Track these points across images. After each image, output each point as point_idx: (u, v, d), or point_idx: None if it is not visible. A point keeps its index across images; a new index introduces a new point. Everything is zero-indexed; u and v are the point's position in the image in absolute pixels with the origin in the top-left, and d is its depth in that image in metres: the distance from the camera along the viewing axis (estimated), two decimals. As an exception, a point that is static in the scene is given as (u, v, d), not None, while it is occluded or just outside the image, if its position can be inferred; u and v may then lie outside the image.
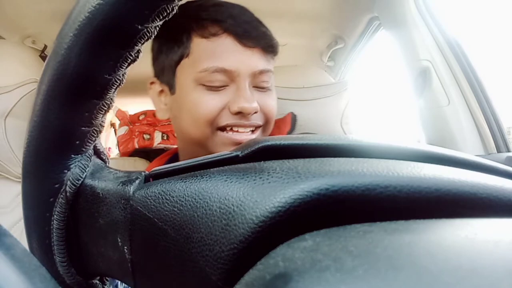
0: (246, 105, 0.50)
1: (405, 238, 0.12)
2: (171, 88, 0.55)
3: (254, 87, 0.53)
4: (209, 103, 0.51)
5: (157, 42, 0.56)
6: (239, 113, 0.50)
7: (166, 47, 0.54)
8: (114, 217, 0.21)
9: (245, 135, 0.52)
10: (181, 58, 0.53)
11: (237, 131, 0.52)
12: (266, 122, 0.55)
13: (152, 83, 0.59)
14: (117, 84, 0.21)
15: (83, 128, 0.22)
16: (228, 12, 0.52)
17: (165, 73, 0.55)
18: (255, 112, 0.51)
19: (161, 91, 0.57)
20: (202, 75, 0.50)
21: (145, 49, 0.21)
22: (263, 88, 0.54)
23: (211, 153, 0.53)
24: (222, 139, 0.51)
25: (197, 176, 0.20)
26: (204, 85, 0.51)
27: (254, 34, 0.52)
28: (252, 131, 0.54)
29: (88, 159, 0.23)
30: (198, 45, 0.51)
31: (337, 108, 0.92)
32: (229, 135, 0.51)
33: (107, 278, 0.26)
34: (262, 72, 0.52)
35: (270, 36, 0.54)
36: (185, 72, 0.52)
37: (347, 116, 0.92)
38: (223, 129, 0.52)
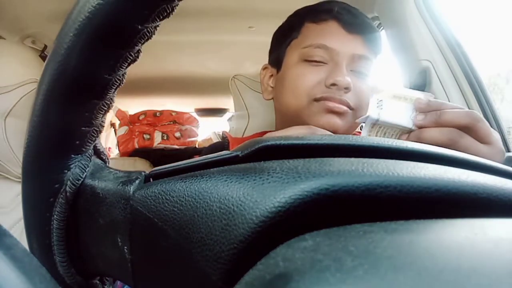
0: (340, 79, 0.54)
1: (405, 238, 0.12)
2: (279, 68, 0.64)
3: (351, 71, 0.58)
4: (308, 76, 0.57)
5: (274, 36, 0.68)
6: (333, 86, 0.55)
7: (281, 34, 0.65)
8: (114, 217, 0.21)
9: (338, 105, 0.55)
10: (291, 40, 0.61)
11: (331, 101, 0.56)
12: (357, 106, 0.57)
13: (265, 68, 0.69)
14: (117, 84, 0.21)
15: (83, 128, 0.22)
16: (338, 4, 0.60)
17: (277, 57, 0.64)
18: (347, 89, 0.55)
19: (271, 76, 0.67)
20: (305, 50, 0.58)
21: (145, 49, 0.21)
22: (359, 73, 0.58)
23: (306, 122, 0.55)
24: (316, 108, 0.56)
25: (197, 176, 0.20)
26: (306, 60, 0.58)
27: (358, 23, 0.58)
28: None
29: (88, 159, 0.23)
30: (308, 28, 0.60)
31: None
32: (323, 103, 0.56)
33: (107, 278, 0.26)
34: (361, 57, 0.58)
35: (374, 29, 0.59)
36: (292, 51, 0.61)
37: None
38: (318, 100, 0.56)
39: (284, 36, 0.63)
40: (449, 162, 0.20)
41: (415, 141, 0.34)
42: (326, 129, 0.55)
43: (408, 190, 0.16)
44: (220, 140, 0.71)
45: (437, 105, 0.40)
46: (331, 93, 0.55)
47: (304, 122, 0.56)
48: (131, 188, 0.21)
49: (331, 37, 0.57)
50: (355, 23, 0.58)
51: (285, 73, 0.61)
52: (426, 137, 0.39)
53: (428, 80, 0.84)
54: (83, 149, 0.22)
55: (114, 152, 2.33)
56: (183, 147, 1.70)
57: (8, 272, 0.12)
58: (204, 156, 0.22)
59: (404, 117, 0.41)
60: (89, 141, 0.22)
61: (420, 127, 0.40)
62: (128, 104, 2.10)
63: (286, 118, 0.62)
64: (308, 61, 0.58)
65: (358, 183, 0.16)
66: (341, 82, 0.54)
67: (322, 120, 0.55)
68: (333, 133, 0.57)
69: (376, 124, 0.42)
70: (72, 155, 0.22)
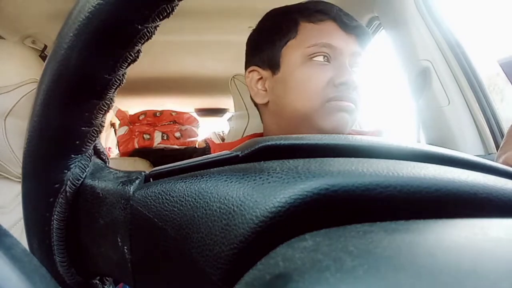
0: (349, 77, 0.56)
1: (405, 238, 0.12)
2: (276, 69, 0.62)
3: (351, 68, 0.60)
4: (316, 77, 0.57)
5: (257, 36, 0.66)
6: (343, 86, 0.56)
7: (271, 35, 0.63)
8: (114, 217, 0.21)
9: (349, 103, 0.57)
10: (288, 40, 0.60)
11: (341, 100, 0.57)
12: (359, 102, 0.59)
13: (250, 71, 0.66)
14: (117, 84, 0.21)
15: (83, 128, 0.22)
16: (330, 6, 0.62)
17: (270, 58, 0.63)
18: (356, 87, 0.57)
19: (260, 78, 0.64)
20: (310, 49, 0.58)
21: (145, 49, 0.21)
22: (357, 69, 0.61)
23: (318, 125, 0.57)
24: (329, 108, 0.57)
25: (197, 176, 0.20)
26: (311, 60, 0.58)
27: (352, 24, 0.60)
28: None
29: (88, 159, 0.23)
30: (306, 27, 0.60)
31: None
32: (335, 103, 0.57)
33: (107, 278, 0.26)
34: (358, 54, 0.60)
35: (364, 28, 0.62)
36: (292, 51, 0.60)
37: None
38: (329, 101, 0.57)
39: (278, 36, 0.62)
40: (449, 162, 0.20)
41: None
42: (336, 127, 0.57)
43: (408, 190, 0.16)
44: (207, 145, 0.72)
45: None
46: (340, 92, 0.56)
47: (315, 123, 0.57)
48: (131, 188, 0.21)
49: (333, 36, 0.58)
50: (351, 25, 0.60)
51: (289, 75, 0.60)
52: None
53: (428, 80, 0.84)
54: (83, 149, 0.22)
55: (114, 152, 2.33)
56: (183, 147, 1.70)
57: (8, 272, 0.12)
58: (204, 156, 0.22)
59: None
60: (89, 141, 0.22)
61: None
62: (128, 104, 2.10)
63: (290, 121, 0.61)
64: (314, 60, 0.58)
65: (358, 183, 0.16)
66: (351, 82, 0.56)
67: (334, 120, 0.56)
68: (342, 131, 0.58)
69: None
70: (72, 155, 0.22)
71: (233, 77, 0.89)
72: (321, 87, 0.57)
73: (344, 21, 0.59)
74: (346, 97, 0.57)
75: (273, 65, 0.62)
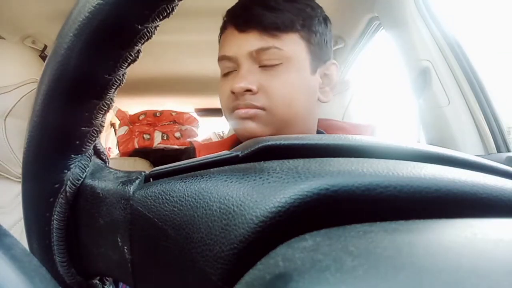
0: (234, 86, 0.53)
1: (405, 238, 0.12)
2: None
3: (261, 67, 0.55)
4: (221, 90, 0.58)
5: None
6: (236, 94, 0.54)
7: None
8: (114, 217, 0.21)
9: (245, 110, 0.54)
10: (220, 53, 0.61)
11: (238, 108, 0.55)
12: (270, 104, 0.54)
13: None
14: (117, 84, 0.21)
15: (83, 128, 0.22)
16: (236, 5, 0.58)
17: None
18: (249, 91, 0.53)
19: None
20: (219, 65, 0.59)
21: (145, 49, 0.21)
22: (269, 66, 0.54)
23: (236, 133, 0.55)
24: (233, 119, 0.56)
25: (197, 176, 0.20)
26: (222, 73, 0.59)
27: (245, 19, 0.55)
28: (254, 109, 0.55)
29: (88, 159, 0.23)
30: (220, 40, 0.60)
31: (339, 108, 0.92)
32: (235, 112, 0.55)
33: (107, 278, 0.26)
34: (259, 51, 0.54)
35: (269, 15, 0.54)
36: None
37: (349, 116, 0.92)
38: (232, 111, 0.56)
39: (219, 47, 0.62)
40: (449, 162, 0.20)
41: None
42: (246, 136, 0.54)
43: (408, 190, 0.16)
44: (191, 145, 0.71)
45: None
46: (237, 100, 0.54)
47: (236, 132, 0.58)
48: (131, 188, 0.21)
49: (227, 44, 0.57)
50: (244, 20, 0.55)
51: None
52: None
53: (428, 80, 0.84)
54: (83, 149, 0.22)
55: (114, 152, 2.33)
56: (183, 147, 1.70)
57: (8, 272, 0.12)
58: (204, 156, 0.22)
59: None
60: (89, 141, 0.22)
61: None
62: (128, 104, 2.10)
63: None
64: (222, 74, 0.59)
65: (358, 183, 0.16)
66: (236, 89, 0.53)
67: (240, 129, 0.55)
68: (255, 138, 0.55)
69: None
70: (72, 155, 0.22)
71: (233, 77, 0.89)
72: (225, 99, 0.57)
73: (238, 21, 0.56)
74: (241, 105, 0.54)
75: None
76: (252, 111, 0.53)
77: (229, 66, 0.57)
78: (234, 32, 0.56)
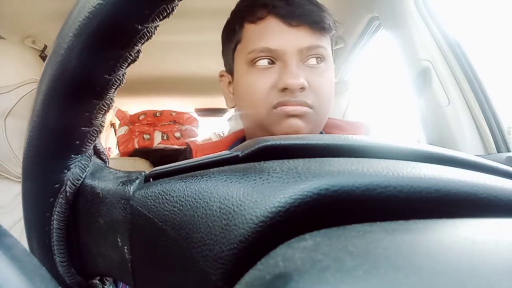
0: (290, 81, 0.50)
1: (405, 238, 0.12)
2: (232, 75, 0.60)
3: (305, 65, 0.54)
4: (259, 83, 0.53)
5: (222, 37, 0.62)
6: (286, 90, 0.51)
7: (225, 38, 0.60)
8: (114, 217, 0.21)
9: (296, 108, 0.52)
10: (236, 45, 0.57)
11: (288, 105, 0.52)
12: (317, 102, 0.53)
13: (222, 75, 0.64)
14: (117, 84, 0.21)
15: (83, 128, 0.22)
16: None
17: (228, 63, 0.61)
18: (302, 88, 0.51)
19: (229, 82, 0.62)
20: (250, 56, 0.54)
21: (145, 49, 0.21)
22: (314, 65, 0.54)
23: (271, 132, 0.53)
24: (276, 115, 0.53)
25: (197, 176, 0.20)
26: (253, 66, 0.54)
27: (298, 13, 0.53)
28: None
29: (88, 159, 0.23)
30: (248, 30, 0.55)
31: (339, 108, 0.92)
32: (281, 109, 0.52)
33: (107, 278, 0.26)
34: (310, 48, 0.53)
35: (318, 13, 0.54)
36: (239, 57, 0.57)
37: (349, 116, 0.92)
38: (275, 107, 0.53)
39: (229, 40, 0.58)
40: (449, 162, 0.20)
41: None
42: (290, 134, 0.52)
43: (408, 190, 0.16)
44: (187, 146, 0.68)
45: None
46: (286, 96, 0.51)
47: (268, 130, 0.54)
48: (131, 188, 0.21)
49: (272, 36, 0.53)
50: (295, 14, 0.52)
51: (238, 82, 0.57)
52: None
53: (428, 80, 0.84)
54: (83, 149, 0.22)
55: (114, 152, 2.33)
56: (183, 147, 1.70)
57: (8, 272, 0.12)
58: (204, 156, 0.22)
59: None
60: (89, 141, 0.22)
61: None
62: (128, 104, 2.10)
63: (249, 126, 0.60)
64: (256, 66, 0.54)
65: (358, 183, 0.16)
66: (293, 85, 0.50)
67: (284, 126, 0.52)
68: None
69: None
70: (72, 155, 0.22)
71: (233, 77, 0.89)
72: (264, 93, 0.53)
73: (285, 13, 0.52)
74: (292, 102, 0.51)
75: (230, 71, 0.60)
76: (303, 109, 0.52)
77: (270, 58, 0.53)
78: (279, 24, 0.53)
